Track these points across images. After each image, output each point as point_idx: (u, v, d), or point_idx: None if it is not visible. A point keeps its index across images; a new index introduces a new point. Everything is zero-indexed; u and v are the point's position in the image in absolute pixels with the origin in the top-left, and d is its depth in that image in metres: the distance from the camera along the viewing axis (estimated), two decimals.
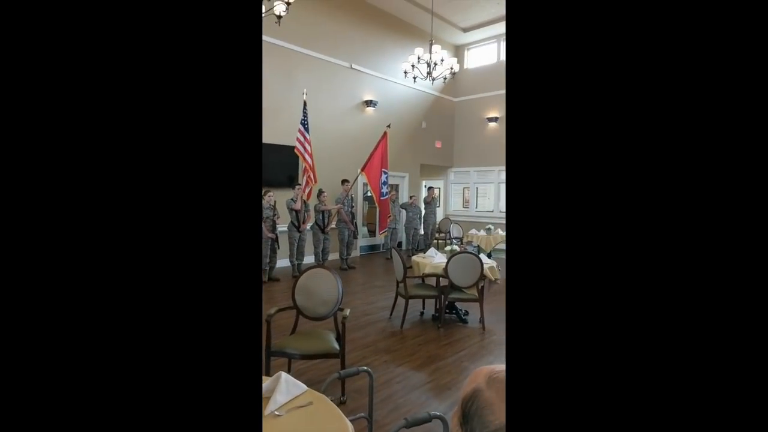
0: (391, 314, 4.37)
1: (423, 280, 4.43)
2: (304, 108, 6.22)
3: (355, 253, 8.12)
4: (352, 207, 7.39)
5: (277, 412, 1.27)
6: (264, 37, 6.40)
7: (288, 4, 3.93)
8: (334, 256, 7.27)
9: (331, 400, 1.39)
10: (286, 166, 6.93)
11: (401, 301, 4.16)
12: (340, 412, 1.30)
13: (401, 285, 4.10)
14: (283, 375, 1.40)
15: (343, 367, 2.59)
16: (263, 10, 4.02)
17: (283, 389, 1.34)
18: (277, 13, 4.02)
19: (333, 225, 6.87)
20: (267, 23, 4.53)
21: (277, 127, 6.79)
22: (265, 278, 5.93)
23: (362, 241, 8.67)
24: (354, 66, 8.11)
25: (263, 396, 1.35)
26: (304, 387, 1.42)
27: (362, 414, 1.84)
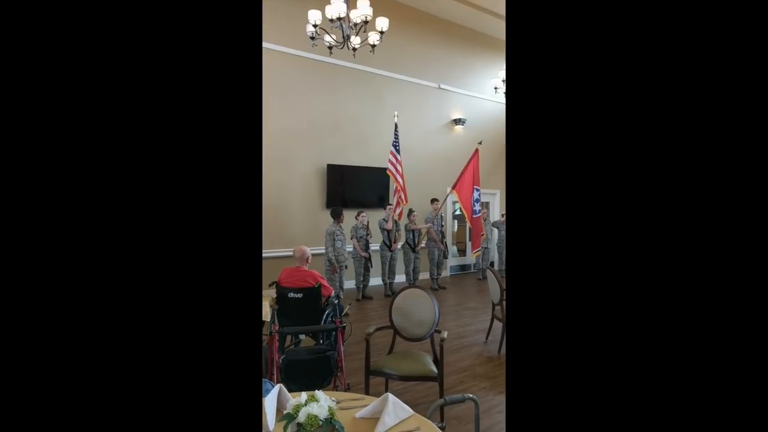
0: (487, 338, 4.19)
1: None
2: (395, 130, 6.39)
3: (446, 273, 8.00)
4: (442, 226, 7.33)
5: None
6: (356, 66, 6.77)
7: (381, 33, 4.12)
8: (424, 276, 7.24)
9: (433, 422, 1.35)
10: (377, 187, 7.15)
11: (497, 324, 3.97)
12: None
13: (497, 307, 3.92)
14: (390, 397, 1.40)
15: (441, 390, 2.53)
16: (358, 41, 4.26)
17: (390, 411, 1.34)
18: (372, 43, 4.23)
19: (423, 244, 6.87)
20: (360, 51, 4.78)
21: (368, 150, 7.07)
22: (359, 296, 6.10)
23: (452, 261, 8.52)
24: (442, 86, 8.17)
25: (371, 417, 1.37)
26: (411, 411, 1.41)
27: None
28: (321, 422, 1.15)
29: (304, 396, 1.24)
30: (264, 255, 5.53)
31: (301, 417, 1.16)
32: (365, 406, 1.43)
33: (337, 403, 1.48)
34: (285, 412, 1.22)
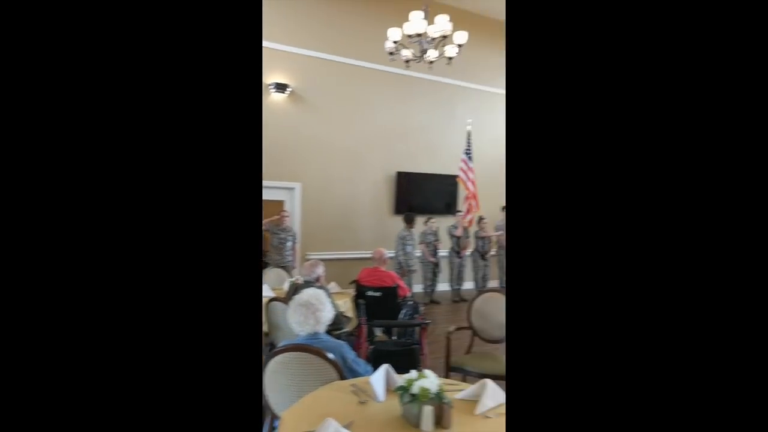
0: None
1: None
2: (468, 138, 6.48)
3: None
4: None
5: (488, 415, 1.41)
6: (428, 76, 6.96)
7: (459, 46, 4.27)
8: (493, 283, 7.20)
9: None
10: (443, 194, 7.27)
11: None
12: None
13: None
14: (489, 382, 1.53)
15: None
16: (435, 54, 4.44)
17: (490, 394, 1.48)
18: (449, 56, 4.39)
19: (493, 252, 6.85)
20: (436, 64, 4.95)
21: (437, 158, 7.22)
22: (426, 300, 6.24)
23: None
24: None
25: (471, 399, 1.51)
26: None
27: None
28: (432, 395, 1.32)
29: (414, 372, 1.41)
30: (334, 257, 5.88)
31: (415, 389, 1.33)
32: (463, 389, 1.58)
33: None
34: (398, 384, 1.41)
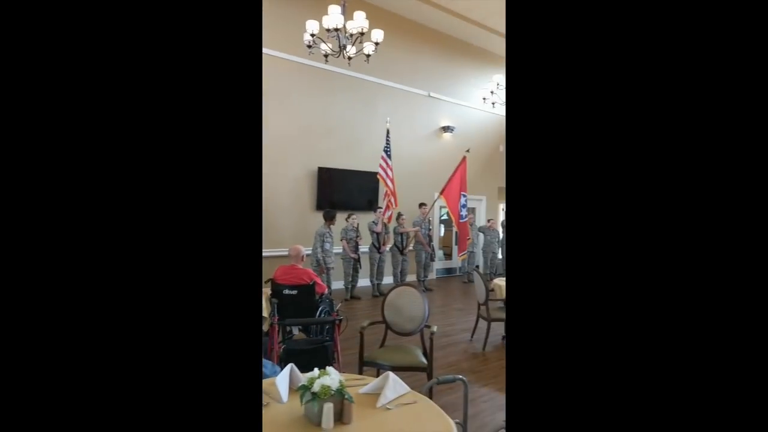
0: (472, 336, 4.40)
1: (505, 303, 4.42)
2: (387, 136, 6.59)
3: (432, 275, 8.21)
4: (429, 230, 7.55)
5: (388, 407, 1.45)
6: (350, 72, 6.96)
7: (376, 44, 4.32)
8: (411, 278, 7.43)
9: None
10: (366, 191, 7.34)
11: (482, 323, 4.18)
12: (442, 411, 1.44)
13: (483, 307, 4.14)
14: (391, 375, 1.58)
15: (430, 378, 2.71)
16: (353, 50, 4.45)
17: (391, 386, 1.52)
18: (367, 53, 4.42)
19: (411, 247, 7.07)
20: (355, 60, 4.96)
21: (359, 154, 7.25)
22: (347, 296, 6.25)
23: (438, 264, 8.74)
24: (432, 94, 8.42)
25: (373, 392, 1.54)
26: (408, 388, 1.58)
27: (457, 420, 1.95)
28: (333, 392, 1.32)
29: (316, 371, 1.41)
30: None
31: (316, 387, 1.32)
32: (367, 383, 1.61)
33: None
34: (300, 384, 1.39)
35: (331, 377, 1.36)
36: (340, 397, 1.33)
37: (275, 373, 1.74)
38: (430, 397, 2.74)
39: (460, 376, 1.69)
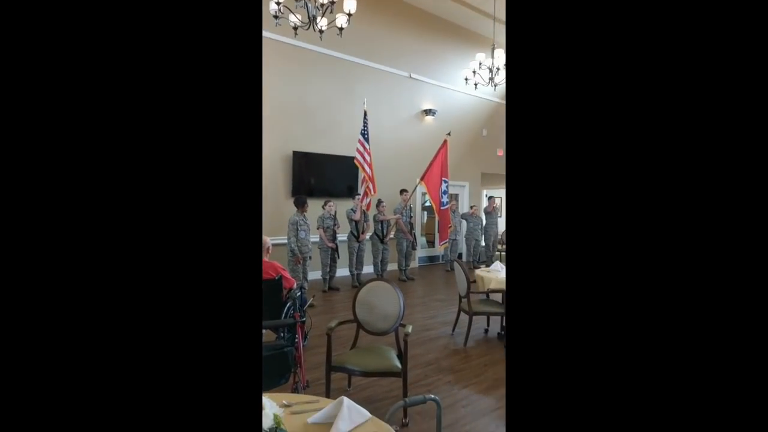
0: (453, 330, 4.17)
1: (488, 296, 4.19)
2: (365, 118, 6.23)
3: (414, 264, 7.98)
4: (411, 217, 7.28)
5: None
6: (325, 50, 6.55)
7: (349, 15, 3.95)
8: (392, 267, 7.18)
9: (393, 423, 1.26)
10: (345, 176, 7.00)
11: (464, 316, 3.95)
12: None
13: (464, 300, 3.90)
14: (346, 401, 1.29)
15: (405, 385, 2.45)
16: (325, 23, 4.08)
17: (345, 416, 1.24)
18: (339, 25, 4.05)
19: (391, 235, 6.79)
20: (329, 36, 4.59)
21: (337, 138, 6.89)
22: (325, 287, 5.96)
23: (421, 252, 8.51)
24: (413, 75, 8.07)
25: (324, 422, 1.26)
26: (368, 414, 1.30)
27: None
28: (265, 431, 1.03)
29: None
30: None
31: None
32: (320, 409, 1.32)
33: (289, 406, 1.36)
34: None
35: (265, 412, 1.07)
36: None
37: None
38: (405, 409, 2.52)
39: (432, 396, 1.42)
